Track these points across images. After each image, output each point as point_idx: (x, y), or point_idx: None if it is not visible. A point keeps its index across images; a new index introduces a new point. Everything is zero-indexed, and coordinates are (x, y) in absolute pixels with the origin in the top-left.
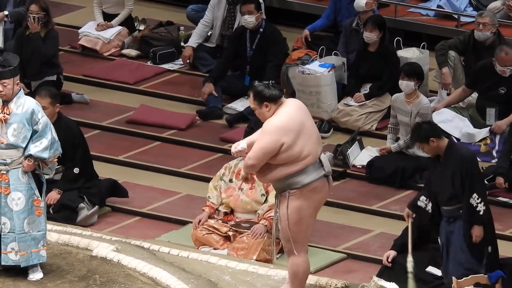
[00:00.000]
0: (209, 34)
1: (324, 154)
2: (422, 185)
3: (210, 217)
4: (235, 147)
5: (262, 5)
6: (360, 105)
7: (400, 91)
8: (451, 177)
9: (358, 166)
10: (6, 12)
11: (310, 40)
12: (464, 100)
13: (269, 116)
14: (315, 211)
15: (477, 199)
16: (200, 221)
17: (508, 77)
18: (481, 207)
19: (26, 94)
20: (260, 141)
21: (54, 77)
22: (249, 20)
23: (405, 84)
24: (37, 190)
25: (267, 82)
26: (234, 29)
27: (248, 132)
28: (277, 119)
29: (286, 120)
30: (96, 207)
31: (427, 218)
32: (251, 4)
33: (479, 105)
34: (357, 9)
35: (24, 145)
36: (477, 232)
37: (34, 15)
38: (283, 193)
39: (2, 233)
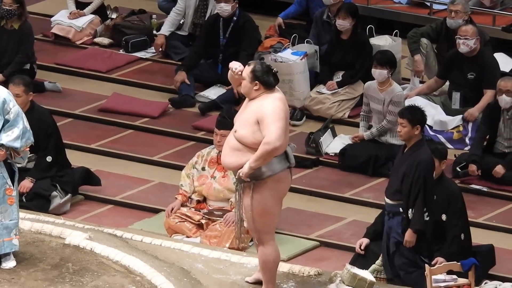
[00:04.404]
0: (181, 22)
1: (289, 145)
2: None
3: (182, 205)
4: (236, 67)
5: None
6: (333, 93)
7: (372, 78)
8: (402, 174)
9: (330, 154)
10: None
11: (284, 28)
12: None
13: (254, 96)
14: (280, 201)
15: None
16: (172, 209)
17: (476, 62)
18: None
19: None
20: (275, 122)
21: (27, 66)
22: (225, 8)
23: (378, 73)
24: (9, 179)
25: (273, 68)
26: (206, 17)
27: (220, 121)
28: (280, 104)
29: (285, 108)
30: (69, 195)
31: None
32: None
33: (451, 92)
34: (326, 2)
35: None
36: (408, 236)
37: (7, 7)
38: (246, 184)
39: None
